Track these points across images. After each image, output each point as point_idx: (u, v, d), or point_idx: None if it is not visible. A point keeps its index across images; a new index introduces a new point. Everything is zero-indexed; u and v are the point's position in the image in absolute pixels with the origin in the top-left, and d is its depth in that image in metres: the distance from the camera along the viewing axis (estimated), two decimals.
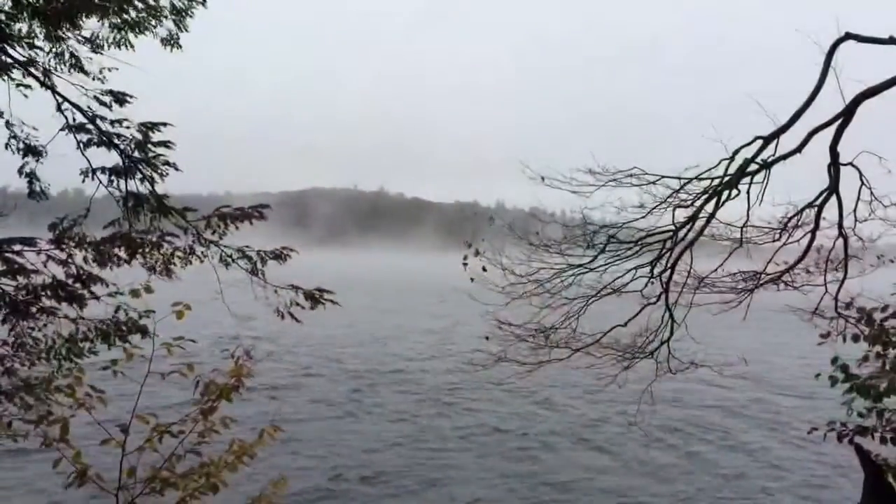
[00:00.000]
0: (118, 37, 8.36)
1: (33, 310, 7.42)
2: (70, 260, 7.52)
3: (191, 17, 8.67)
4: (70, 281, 7.55)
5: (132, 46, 8.51)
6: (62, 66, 8.29)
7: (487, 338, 8.47)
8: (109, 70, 8.38)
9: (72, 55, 8.30)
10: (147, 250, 7.64)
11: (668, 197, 7.65)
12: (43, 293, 7.37)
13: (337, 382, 25.05)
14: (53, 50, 8.20)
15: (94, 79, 8.24)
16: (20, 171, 8.44)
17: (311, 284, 8.26)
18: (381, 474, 15.12)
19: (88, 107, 7.92)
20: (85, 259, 7.57)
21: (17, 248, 7.17)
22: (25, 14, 7.60)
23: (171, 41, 8.82)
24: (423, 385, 25.16)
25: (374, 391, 23.77)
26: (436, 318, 48.45)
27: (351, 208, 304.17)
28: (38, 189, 8.50)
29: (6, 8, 7.52)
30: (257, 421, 6.48)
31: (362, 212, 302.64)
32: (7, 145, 8.36)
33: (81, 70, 8.29)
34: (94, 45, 8.33)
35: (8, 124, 8.28)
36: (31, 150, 8.39)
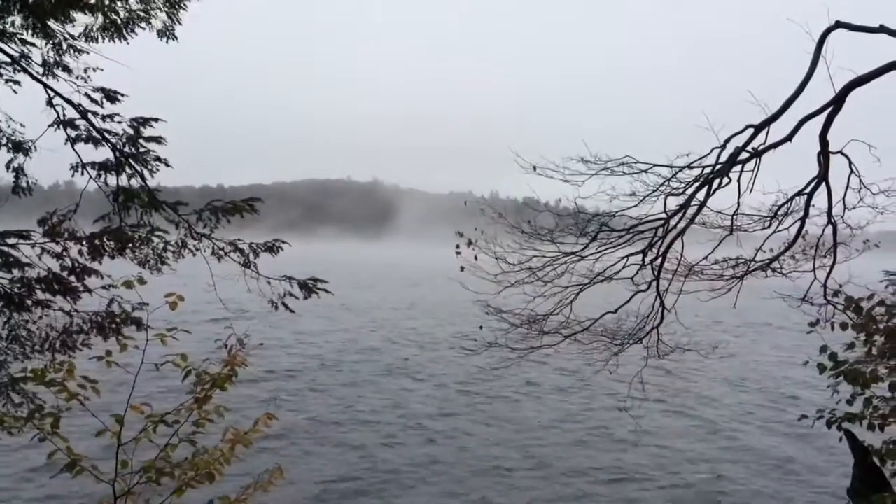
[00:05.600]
0: (111, 32, 8.35)
1: (28, 303, 7.45)
2: (65, 253, 7.55)
3: (184, 9, 8.65)
4: (65, 274, 7.58)
5: (125, 39, 8.50)
6: (55, 62, 8.28)
7: (481, 327, 8.51)
8: (95, 70, 8.36)
9: (61, 51, 8.28)
10: (136, 244, 7.67)
11: (660, 185, 7.68)
12: (38, 286, 7.40)
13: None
14: (47, 44, 8.19)
15: (77, 78, 8.21)
16: (7, 166, 8.46)
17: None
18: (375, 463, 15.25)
19: (80, 103, 7.93)
20: (80, 252, 7.60)
21: (11, 241, 7.20)
22: (15, 9, 7.58)
23: (166, 33, 8.80)
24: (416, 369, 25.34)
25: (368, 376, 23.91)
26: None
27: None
28: (24, 184, 8.51)
29: None
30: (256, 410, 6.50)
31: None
32: None
33: (66, 70, 8.27)
34: (87, 38, 8.31)
35: None
36: (17, 147, 8.39)
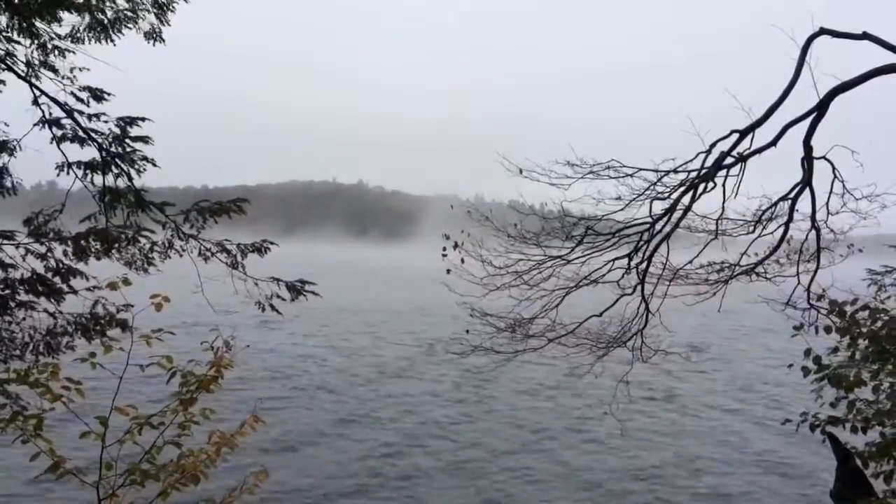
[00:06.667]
0: (97, 32, 8.30)
1: (11, 304, 7.38)
2: (50, 254, 7.49)
3: (172, 11, 8.61)
4: (49, 275, 7.51)
5: (112, 40, 8.45)
6: (41, 61, 8.22)
7: (468, 331, 8.50)
8: (81, 70, 8.30)
9: (47, 51, 8.22)
10: (123, 245, 7.61)
11: (646, 189, 7.71)
12: (21, 287, 7.33)
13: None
14: (34, 43, 8.12)
15: (64, 77, 8.15)
16: None
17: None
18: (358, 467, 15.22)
19: (66, 102, 7.87)
20: (65, 253, 7.53)
21: None
22: (0, 7, 7.52)
23: (154, 35, 8.76)
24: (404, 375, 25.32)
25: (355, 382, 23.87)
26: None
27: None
28: (8, 184, 8.42)
29: None
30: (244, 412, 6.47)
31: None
32: None
33: (53, 69, 8.21)
34: (74, 39, 8.26)
35: None
36: (2, 146, 8.29)
